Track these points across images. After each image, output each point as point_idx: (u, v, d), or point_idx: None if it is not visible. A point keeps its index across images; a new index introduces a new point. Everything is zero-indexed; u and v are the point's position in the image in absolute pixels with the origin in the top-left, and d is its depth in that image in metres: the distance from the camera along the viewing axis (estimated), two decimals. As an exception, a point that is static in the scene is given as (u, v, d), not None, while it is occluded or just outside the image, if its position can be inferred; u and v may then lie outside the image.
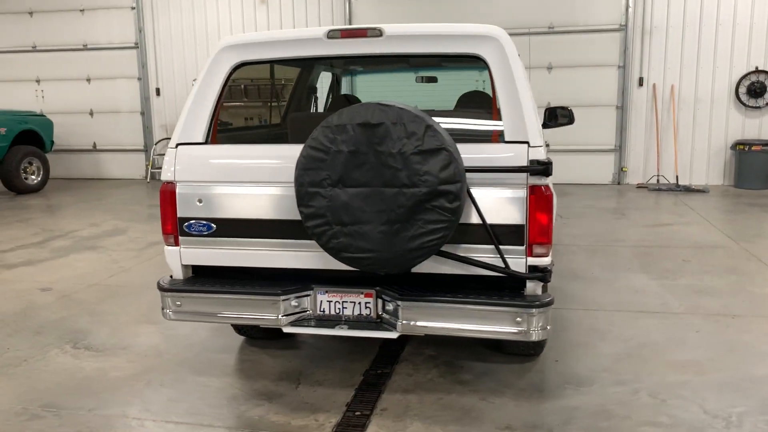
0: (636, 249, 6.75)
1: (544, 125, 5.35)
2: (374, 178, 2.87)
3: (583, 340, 4.32)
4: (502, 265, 3.12)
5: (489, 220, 3.10)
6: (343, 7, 11.89)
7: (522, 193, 3.07)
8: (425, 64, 4.04)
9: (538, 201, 3.07)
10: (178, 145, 3.45)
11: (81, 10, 13.03)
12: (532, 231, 3.09)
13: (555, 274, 5.69)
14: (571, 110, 5.39)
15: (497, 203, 3.10)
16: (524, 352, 3.98)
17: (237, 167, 3.39)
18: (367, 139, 2.85)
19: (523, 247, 3.12)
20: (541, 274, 3.10)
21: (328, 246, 2.99)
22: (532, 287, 3.16)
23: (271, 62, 3.60)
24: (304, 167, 2.95)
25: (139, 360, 4.13)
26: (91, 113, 13.39)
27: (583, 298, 5.20)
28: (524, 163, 3.05)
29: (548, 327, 3.15)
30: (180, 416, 3.41)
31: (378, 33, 3.32)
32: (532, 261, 3.13)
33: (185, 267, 3.51)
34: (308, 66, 4.80)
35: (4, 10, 13.34)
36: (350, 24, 11.94)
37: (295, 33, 3.46)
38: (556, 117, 5.43)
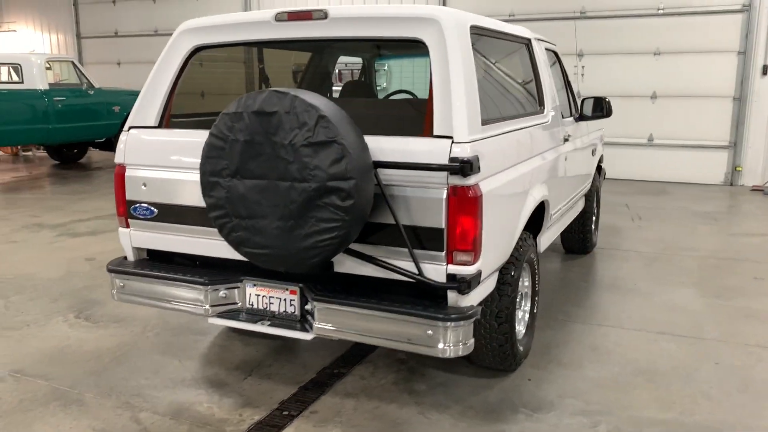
0: (705, 260, 5.96)
1: (581, 117, 4.87)
2: (270, 171, 2.70)
3: (574, 360, 3.87)
4: (424, 272, 2.84)
5: (408, 222, 2.83)
6: (439, -9, 11.57)
7: (442, 194, 2.76)
8: (370, 50, 3.75)
9: (461, 203, 2.74)
10: (130, 128, 3.49)
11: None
12: (453, 236, 2.77)
13: (591, 282, 5.23)
14: (608, 101, 4.84)
15: (417, 204, 2.81)
16: (495, 365, 3.63)
17: (177, 153, 3.35)
18: (263, 129, 2.69)
19: (442, 254, 2.81)
20: (457, 284, 2.77)
21: (229, 239, 2.88)
22: (454, 298, 2.84)
23: (227, 46, 3.52)
24: (206, 155, 2.85)
25: (122, 335, 4.28)
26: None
27: (606, 311, 4.67)
28: (444, 160, 2.74)
29: (468, 343, 2.83)
30: (119, 395, 3.48)
31: (323, 15, 3.12)
32: (454, 269, 2.81)
33: (136, 249, 3.55)
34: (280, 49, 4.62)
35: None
36: (444, 7, 11.59)
37: (246, 16, 3.35)
38: (600, 108, 4.91)
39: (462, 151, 2.74)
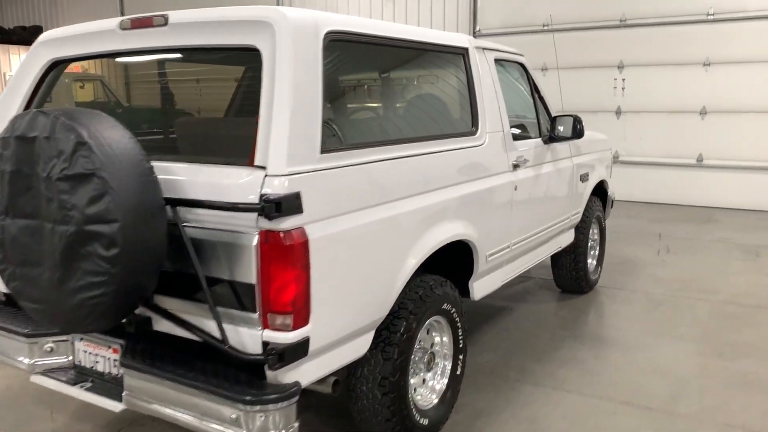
0: (722, 306, 5.03)
1: (551, 138, 4.17)
2: (37, 209, 2.22)
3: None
4: (240, 337, 2.27)
5: (217, 274, 2.28)
6: (469, 4, 10.92)
7: (252, 240, 2.19)
8: (215, 60, 3.17)
9: (274, 253, 2.16)
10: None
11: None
12: (267, 295, 2.19)
13: (571, 331, 4.43)
14: (578, 120, 4.12)
15: (225, 252, 2.25)
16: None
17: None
18: (26, 157, 2.21)
19: (255, 316, 2.23)
20: (273, 356, 2.18)
21: (9, 288, 2.41)
22: (273, 374, 2.25)
23: (84, 59, 3.09)
24: None
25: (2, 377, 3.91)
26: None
27: (571, 370, 3.90)
28: (254, 197, 2.17)
29: (289, 430, 2.23)
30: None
31: (163, 21, 2.63)
32: (270, 336, 2.22)
33: (-14, 289, 3.16)
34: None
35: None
36: (474, 22, 10.96)
37: (96, 25, 2.91)
38: (570, 129, 4.21)
39: (275, 187, 2.16)
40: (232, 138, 2.69)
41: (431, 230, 2.94)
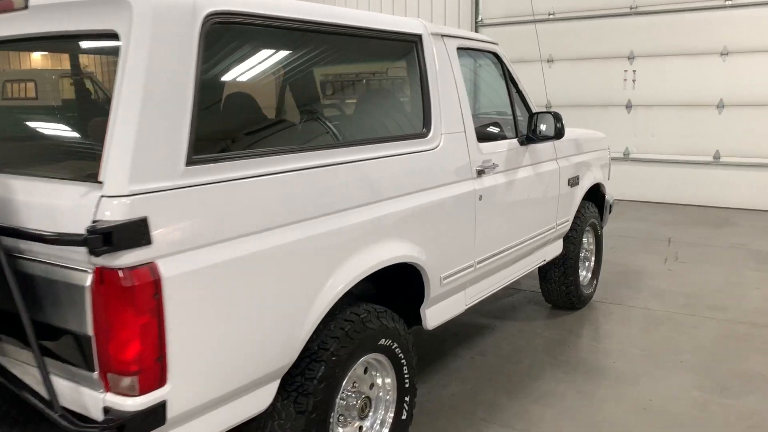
0: (731, 327, 4.45)
1: (528, 139, 3.65)
2: None
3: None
4: (82, 400, 1.80)
5: (52, 320, 1.80)
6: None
7: (86, 279, 1.71)
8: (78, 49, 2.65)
9: (112, 297, 1.68)
10: None
11: None
12: (106, 350, 1.71)
13: (555, 357, 3.89)
14: (557, 117, 3.58)
15: (56, 293, 1.78)
16: None
17: None
18: None
19: (94, 375, 1.75)
20: (110, 427, 1.70)
21: None
22: (120, 447, 1.77)
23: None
24: None
25: None
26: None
27: (546, 409, 3.37)
28: (83, 224, 1.68)
29: None
30: None
31: (23, 4, 2.17)
32: (114, 400, 1.74)
33: None
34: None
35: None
36: (476, 13, 10.39)
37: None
38: (550, 128, 3.69)
39: (113, 211, 1.67)
40: (81, 145, 2.20)
41: (358, 254, 2.43)
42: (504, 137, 3.63)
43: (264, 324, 2.08)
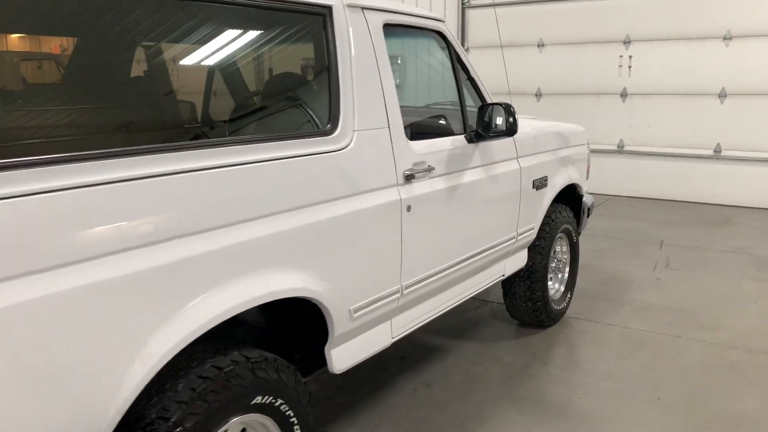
0: (722, 352, 3.86)
1: (478, 135, 3.06)
2: None
3: None
4: None
5: None
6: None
7: None
8: None
9: None
10: None
11: None
12: None
13: (509, 389, 3.32)
14: (507, 109, 2.99)
15: None
16: None
17: None
18: None
19: None
20: None
21: None
22: None
23: None
24: None
25: None
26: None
27: (491, 461, 2.80)
28: None
29: None
30: None
31: None
32: None
33: None
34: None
35: None
36: (462, 16, 9.71)
37: None
38: (501, 121, 3.10)
39: None
40: None
41: (211, 292, 1.85)
42: (449, 133, 3.04)
43: (42, 396, 1.51)
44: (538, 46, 9.08)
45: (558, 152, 4.04)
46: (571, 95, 8.92)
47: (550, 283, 4.31)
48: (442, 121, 3.18)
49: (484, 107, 3.06)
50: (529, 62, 9.16)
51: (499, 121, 2.98)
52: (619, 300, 4.75)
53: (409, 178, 2.65)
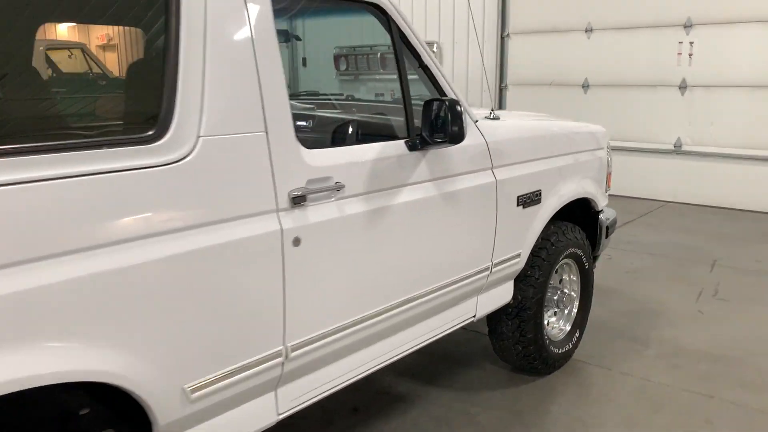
0: (766, 426, 2.96)
1: (423, 142, 2.32)
2: None
3: None
4: None
5: None
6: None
7: None
8: None
9: None
10: None
11: None
12: None
13: None
14: (452, 108, 2.23)
15: None
16: None
17: None
18: None
19: None
20: None
21: None
22: None
23: None
24: None
25: None
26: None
27: None
28: None
29: None
30: None
31: None
32: None
33: None
34: None
35: None
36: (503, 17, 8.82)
37: None
38: (446, 123, 2.35)
39: None
40: None
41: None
42: (381, 138, 2.29)
43: None
44: (586, 31, 8.09)
45: (561, 159, 3.22)
46: (622, 87, 7.91)
47: (552, 320, 3.50)
48: (375, 121, 2.44)
49: (430, 104, 2.29)
50: (576, 49, 8.19)
51: (440, 123, 2.21)
52: (645, 339, 3.87)
53: (298, 200, 1.93)
